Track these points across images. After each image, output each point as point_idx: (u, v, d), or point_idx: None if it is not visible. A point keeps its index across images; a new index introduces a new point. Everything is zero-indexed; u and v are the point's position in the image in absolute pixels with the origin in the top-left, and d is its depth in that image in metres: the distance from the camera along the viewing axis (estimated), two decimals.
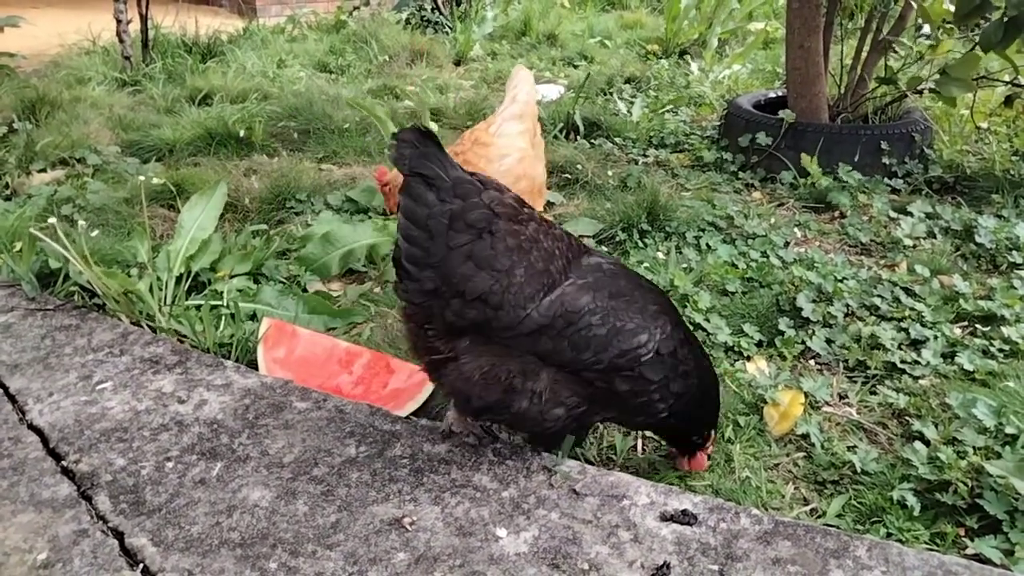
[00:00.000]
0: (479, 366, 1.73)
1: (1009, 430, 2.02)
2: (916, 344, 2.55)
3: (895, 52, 4.33)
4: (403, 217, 1.64)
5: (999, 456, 1.95)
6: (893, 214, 3.53)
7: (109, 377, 2.30)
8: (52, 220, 2.69)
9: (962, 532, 1.82)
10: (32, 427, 2.08)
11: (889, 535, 1.82)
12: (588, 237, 3.38)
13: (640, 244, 3.32)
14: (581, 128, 4.77)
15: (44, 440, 2.03)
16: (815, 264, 2.99)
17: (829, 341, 2.57)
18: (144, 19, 5.99)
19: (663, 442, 2.16)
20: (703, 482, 2.00)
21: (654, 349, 1.75)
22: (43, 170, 4.09)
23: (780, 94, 4.52)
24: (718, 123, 4.70)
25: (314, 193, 3.78)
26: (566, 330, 1.69)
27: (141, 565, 1.64)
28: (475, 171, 2.38)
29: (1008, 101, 4.05)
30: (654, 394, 1.78)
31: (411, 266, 1.66)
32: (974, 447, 2.00)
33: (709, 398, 1.93)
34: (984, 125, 4.53)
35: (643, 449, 2.16)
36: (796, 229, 3.46)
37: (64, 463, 1.95)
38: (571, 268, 1.74)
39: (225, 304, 2.71)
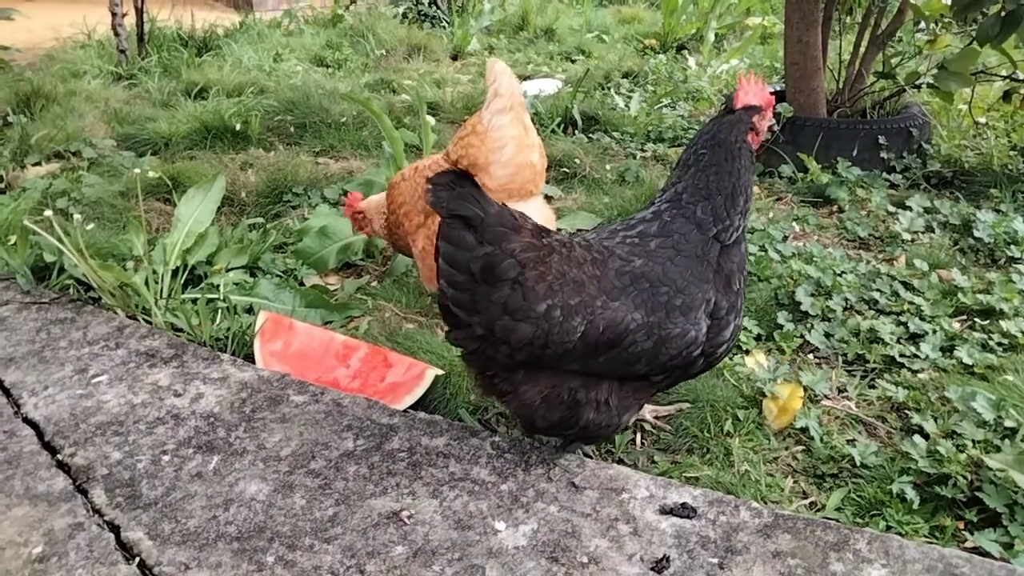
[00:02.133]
0: (539, 391, 1.77)
1: (1008, 423, 2.02)
2: (915, 338, 2.54)
3: (893, 47, 4.32)
4: (444, 263, 1.65)
5: (998, 449, 1.95)
6: (891, 208, 3.53)
7: (105, 370, 2.28)
8: (48, 213, 2.67)
9: (961, 525, 1.82)
10: (27, 420, 2.07)
11: (888, 528, 1.81)
12: (586, 231, 3.36)
13: None
14: (579, 122, 4.75)
15: (39, 433, 2.02)
16: (814, 258, 2.98)
17: (828, 335, 2.57)
18: (140, 13, 5.95)
19: (662, 435, 2.16)
20: (703, 472, 1.99)
21: (703, 332, 1.75)
22: (38, 163, 4.07)
23: (778, 89, 4.51)
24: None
25: (311, 187, 3.77)
26: (612, 351, 1.71)
27: (137, 559, 1.63)
28: (479, 163, 2.35)
29: (1006, 96, 4.05)
30: (717, 352, 1.82)
31: (460, 311, 1.68)
32: (973, 440, 2.00)
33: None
34: (982, 120, 4.53)
35: (642, 442, 2.15)
36: (795, 223, 3.45)
37: (59, 457, 1.93)
38: (603, 285, 1.72)
39: (222, 297, 2.69)
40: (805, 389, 2.27)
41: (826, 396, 2.31)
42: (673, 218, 1.81)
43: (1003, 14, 3.36)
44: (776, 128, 3.93)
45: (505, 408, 1.90)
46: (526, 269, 1.64)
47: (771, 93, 1.93)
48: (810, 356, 2.52)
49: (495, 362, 1.74)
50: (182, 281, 2.77)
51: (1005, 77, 4.10)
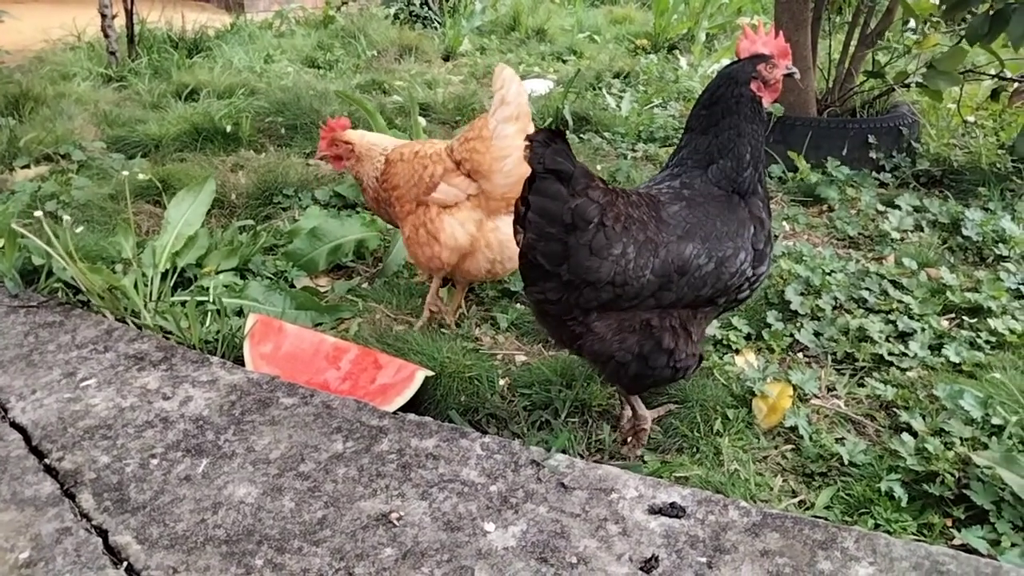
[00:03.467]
0: (609, 324, 1.88)
1: (996, 421, 2.03)
2: (904, 336, 2.55)
3: (882, 46, 4.34)
4: (536, 216, 1.73)
5: (986, 447, 1.96)
6: (881, 207, 3.54)
7: (93, 374, 2.27)
8: (38, 214, 2.66)
9: (949, 523, 1.83)
10: (14, 425, 2.06)
11: (877, 526, 1.82)
12: None
13: None
14: (570, 123, 4.76)
15: (27, 438, 2.01)
16: (803, 257, 2.99)
17: (817, 334, 2.57)
18: (129, 14, 5.93)
19: (652, 436, 2.16)
20: (693, 472, 1.99)
21: (751, 258, 1.93)
22: (27, 166, 4.05)
23: None
24: None
25: (301, 188, 3.76)
26: (682, 279, 1.85)
27: (125, 563, 1.63)
28: (482, 169, 2.39)
29: (994, 94, 4.07)
30: (759, 280, 2.00)
31: (547, 262, 1.77)
32: (961, 438, 2.01)
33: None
34: (971, 119, 4.55)
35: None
36: (785, 223, 3.46)
37: (47, 461, 1.92)
38: (661, 225, 1.86)
39: (211, 300, 2.69)
40: (794, 388, 2.27)
41: (815, 395, 2.31)
42: (692, 178, 1.95)
43: (991, 14, 3.38)
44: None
45: (581, 355, 1.99)
46: (606, 211, 1.76)
47: None
48: (799, 355, 2.53)
49: (576, 307, 1.85)
50: (171, 284, 2.76)
51: (993, 76, 4.12)
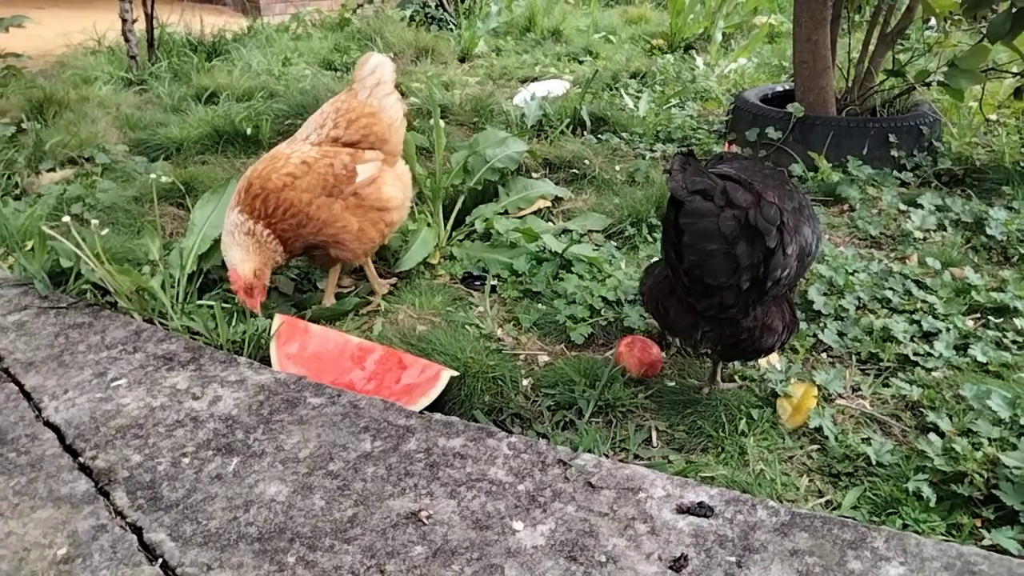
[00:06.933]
0: (780, 319, 2.07)
1: None
2: (928, 336, 2.54)
3: (902, 45, 4.32)
4: (692, 239, 1.81)
5: (1014, 447, 1.95)
6: (903, 207, 3.52)
7: (123, 374, 2.31)
8: (67, 219, 2.70)
9: (979, 523, 1.82)
10: (48, 424, 2.09)
11: (905, 526, 1.82)
12: (597, 232, 3.37)
13: (649, 239, 3.32)
14: (588, 123, 4.76)
15: (60, 437, 2.04)
16: (826, 257, 2.98)
17: (841, 334, 2.57)
18: (149, 18, 5.99)
19: (676, 435, 2.16)
20: (719, 472, 2.00)
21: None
22: (52, 169, 4.10)
23: (787, 88, 4.51)
24: (725, 117, 4.69)
25: None
26: (804, 260, 2.00)
27: (160, 560, 1.65)
28: (383, 136, 2.74)
29: (1017, 92, 4.03)
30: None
31: (715, 278, 1.85)
32: (989, 438, 2.00)
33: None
34: (993, 117, 4.52)
35: (657, 442, 2.16)
36: None
37: (81, 459, 1.96)
38: (784, 212, 1.93)
39: (237, 301, 2.71)
40: (819, 388, 2.27)
41: (840, 395, 2.31)
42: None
43: (1014, 11, 3.35)
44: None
45: (735, 353, 2.15)
46: (783, 213, 1.83)
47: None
48: (823, 355, 2.52)
49: (748, 306, 1.94)
50: (198, 285, 2.79)
51: (1016, 74, 4.09)
